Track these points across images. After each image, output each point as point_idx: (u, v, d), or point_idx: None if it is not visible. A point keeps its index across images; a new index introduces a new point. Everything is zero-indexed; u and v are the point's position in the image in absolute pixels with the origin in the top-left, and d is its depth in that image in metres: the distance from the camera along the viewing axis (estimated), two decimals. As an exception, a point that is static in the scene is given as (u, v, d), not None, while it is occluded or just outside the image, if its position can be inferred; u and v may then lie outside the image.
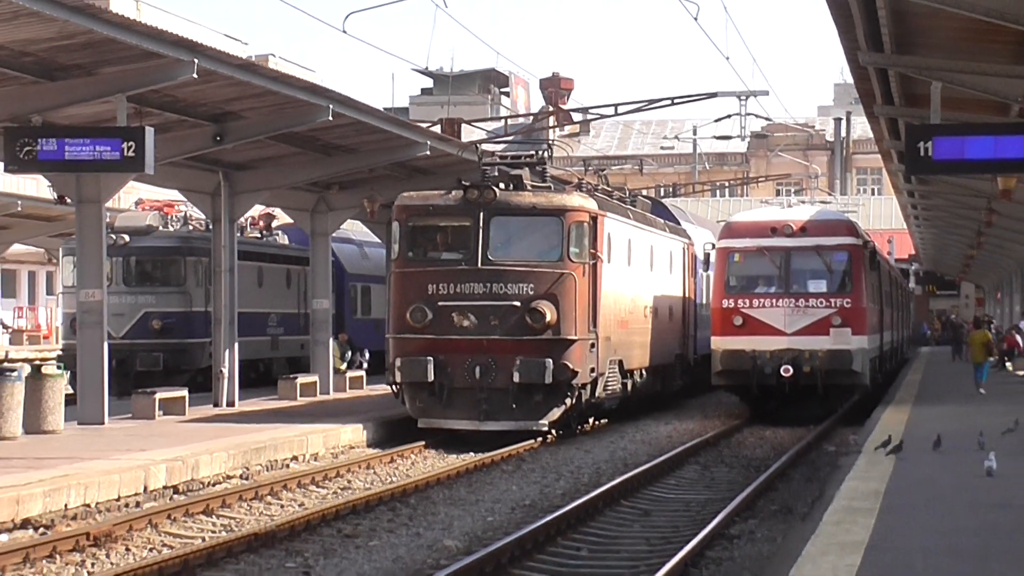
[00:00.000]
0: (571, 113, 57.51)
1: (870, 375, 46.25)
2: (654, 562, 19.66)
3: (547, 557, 20.53)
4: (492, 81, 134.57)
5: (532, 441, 33.54)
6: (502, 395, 33.05)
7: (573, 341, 33.28)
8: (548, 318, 32.95)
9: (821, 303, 44.28)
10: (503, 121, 55.26)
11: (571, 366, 33.07)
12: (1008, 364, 52.84)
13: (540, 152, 37.14)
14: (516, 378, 32.72)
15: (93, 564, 19.67)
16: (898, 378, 54.67)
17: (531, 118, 56.47)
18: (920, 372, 58.13)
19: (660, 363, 43.82)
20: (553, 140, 56.96)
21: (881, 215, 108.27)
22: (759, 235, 45.54)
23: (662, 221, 47.30)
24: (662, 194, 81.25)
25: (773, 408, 43.75)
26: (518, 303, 33.09)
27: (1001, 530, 17.32)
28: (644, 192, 57.08)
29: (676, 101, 56.63)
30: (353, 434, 33.97)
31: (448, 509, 24.99)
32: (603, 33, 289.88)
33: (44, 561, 19.68)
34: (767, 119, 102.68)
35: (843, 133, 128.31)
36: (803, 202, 65.21)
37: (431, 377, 32.66)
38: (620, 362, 37.93)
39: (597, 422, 39.28)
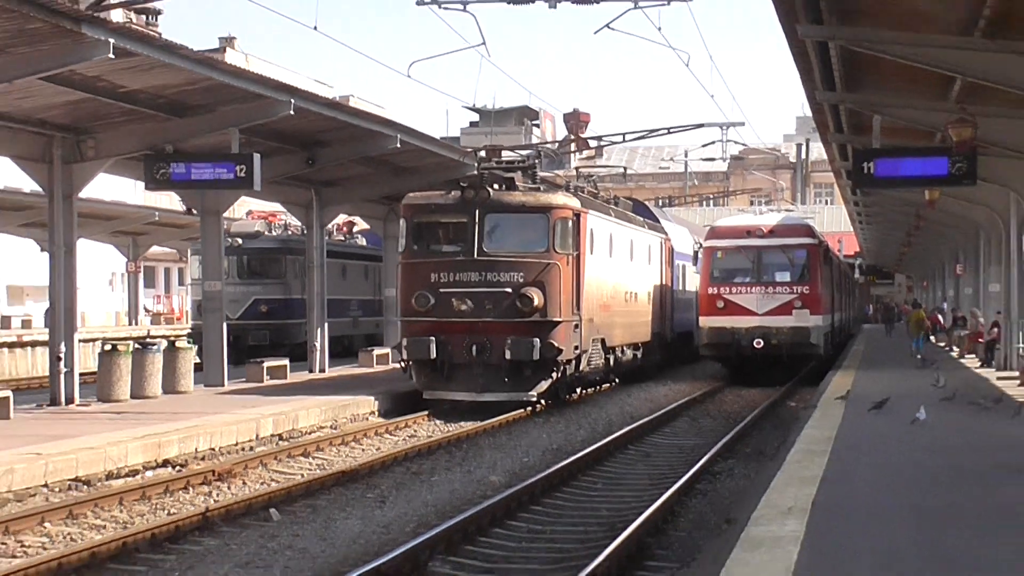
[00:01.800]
0: (588, 140, 57.20)
1: (824, 346, 46.25)
2: (655, 492, 19.80)
3: (571, 490, 20.69)
4: (525, 115, 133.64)
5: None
6: (496, 370, 30.37)
7: (558, 323, 30.62)
8: (536, 302, 30.14)
9: (785, 290, 44.30)
10: (535, 147, 55.10)
11: (556, 344, 30.32)
12: (932, 338, 52.79)
13: (531, 158, 34.86)
14: (508, 355, 29.95)
15: (217, 495, 19.90)
16: (846, 349, 54.56)
17: (556, 145, 56.29)
18: (863, 344, 57.99)
19: (640, 340, 40.98)
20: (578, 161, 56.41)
21: (833, 220, 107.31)
22: (737, 237, 45.58)
23: (641, 219, 44.56)
24: (660, 205, 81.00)
25: (748, 373, 43.76)
26: (509, 289, 30.32)
27: (927, 466, 17.44)
28: (646, 203, 55.44)
29: (671, 130, 56.73)
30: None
31: (492, 453, 25.13)
32: (614, 75, 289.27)
33: (180, 492, 19.95)
34: (743, 144, 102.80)
35: (803, 156, 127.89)
36: (771, 210, 65.30)
37: (433, 355, 30.10)
38: (603, 340, 35.22)
39: (584, 391, 36.79)
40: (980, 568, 11.21)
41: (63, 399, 28.73)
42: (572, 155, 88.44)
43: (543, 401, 31.75)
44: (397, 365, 33.03)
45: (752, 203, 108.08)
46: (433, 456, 24.57)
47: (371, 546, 16.20)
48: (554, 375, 30.77)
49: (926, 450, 19.29)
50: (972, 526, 13.17)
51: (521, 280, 30.24)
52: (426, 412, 30.47)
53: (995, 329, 39.07)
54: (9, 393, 26.92)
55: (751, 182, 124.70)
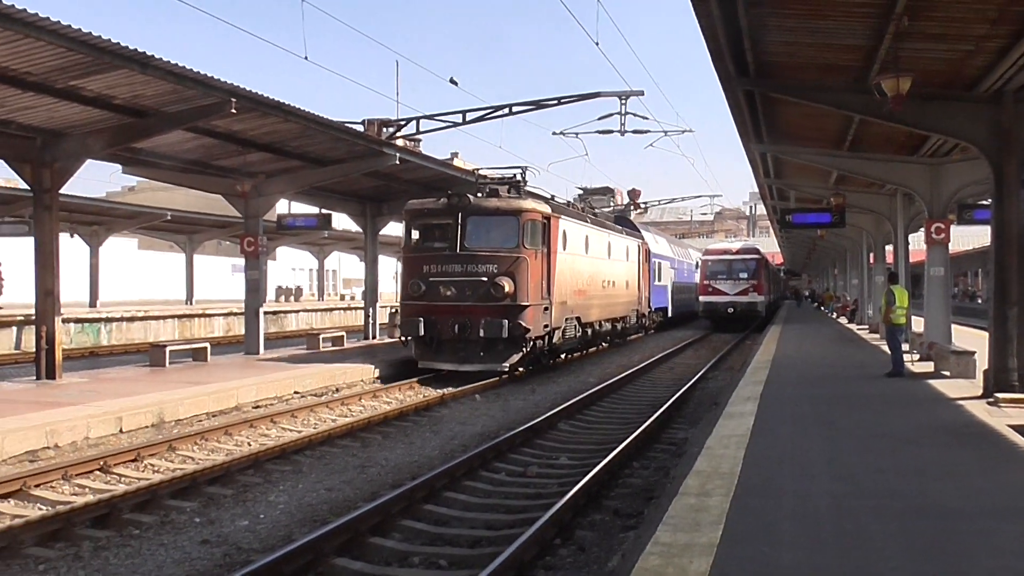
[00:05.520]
0: (640, 204, 56.63)
1: (764, 312, 45.64)
2: (675, 388, 19.70)
3: (628, 387, 20.66)
4: (608, 192, 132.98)
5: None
6: (474, 345, 20.43)
7: (527, 306, 20.51)
8: (507, 289, 20.24)
9: (744, 282, 43.83)
10: (612, 208, 54.50)
11: (524, 324, 20.42)
12: (822, 309, 51.57)
13: (516, 175, 23.38)
14: (482, 333, 20.15)
15: (451, 388, 19.79)
16: (776, 313, 53.53)
17: (623, 206, 55.81)
18: (784, 311, 56.72)
19: (616, 316, 29.72)
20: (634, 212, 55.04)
21: (770, 245, 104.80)
22: (720, 254, 45.20)
23: (621, 228, 32.08)
24: (680, 237, 79.93)
25: (724, 326, 43.19)
26: (485, 278, 20.35)
27: (819, 374, 17.13)
28: (629, 218, 44.87)
29: (685, 199, 56.29)
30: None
31: (590, 368, 24.91)
32: (654, 167, 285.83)
33: (384, 394, 19.93)
34: (721, 206, 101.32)
35: (753, 211, 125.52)
36: (736, 240, 64.10)
37: (422, 332, 20.47)
38: (578, 318, 24.66)
39: (568, 356, 26.10)
40: (845, 425, 11.11)
41: (370, 336, 29.30)
42: (632, 212, 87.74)
43: (520, 369, 21.99)
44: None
45: (726, 236, 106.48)
46: (558, 369, 24.46)
47: (528, 413, 16.37)
48: (524, 349, 20.95)
49: (819, 365, 18.98)
50: (841, 404, 12.99)
51: (495, 271, 20.53)
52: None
53: (855, 303, 38.34)
54: (343, 333, 27.52)
55: (726, 225, 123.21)
